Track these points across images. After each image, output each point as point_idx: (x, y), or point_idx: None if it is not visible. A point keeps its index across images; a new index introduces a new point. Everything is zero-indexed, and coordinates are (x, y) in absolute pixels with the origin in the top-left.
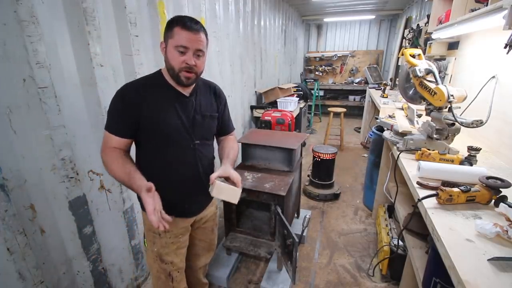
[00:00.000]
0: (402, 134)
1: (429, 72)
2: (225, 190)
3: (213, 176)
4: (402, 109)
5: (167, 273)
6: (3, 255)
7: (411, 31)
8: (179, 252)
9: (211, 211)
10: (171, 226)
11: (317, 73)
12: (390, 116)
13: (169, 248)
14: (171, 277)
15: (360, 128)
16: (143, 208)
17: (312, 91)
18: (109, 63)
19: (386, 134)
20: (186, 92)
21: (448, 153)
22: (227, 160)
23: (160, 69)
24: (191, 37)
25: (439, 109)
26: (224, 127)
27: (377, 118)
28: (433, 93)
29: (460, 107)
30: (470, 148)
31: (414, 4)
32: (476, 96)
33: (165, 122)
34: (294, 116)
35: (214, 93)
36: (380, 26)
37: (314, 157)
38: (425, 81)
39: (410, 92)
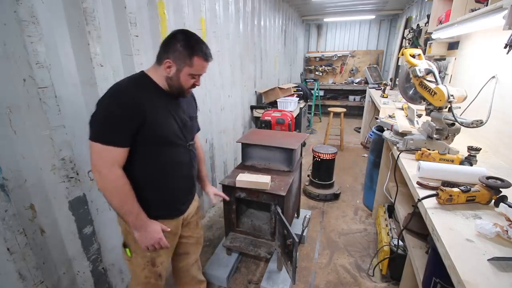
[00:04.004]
0: (402, 134)
1: (429, 72)
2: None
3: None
4: (402, 109)
5: (157, 275)
6: (3, 255)
7: (411, 31)
8: (169, 251)
9: (194, 206)
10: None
11: (317, 73)
12: (390, 116)
13: (162, 250)
14: (161, 277)
15: (360, 128)
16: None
17: (312, 91)
18: (109, 63)
19: (386, 134)
20: (175, 96)
21: (448, 153)
22: (207, 181)
23: (144, 72)
24: (207, 65)
25: (439, 109)
26: (197, 126)
27: (377, 118)
28: (433, 93)
29: (460, 107)
30: (470, 148)
31: (414, 4)
32: (476, 96)
33: (165, 125)
34: (294, 116)
35: (192, 97)
36: (380, 26)
37: (314, 157)
38: (425, 81)
39: (410, 92)
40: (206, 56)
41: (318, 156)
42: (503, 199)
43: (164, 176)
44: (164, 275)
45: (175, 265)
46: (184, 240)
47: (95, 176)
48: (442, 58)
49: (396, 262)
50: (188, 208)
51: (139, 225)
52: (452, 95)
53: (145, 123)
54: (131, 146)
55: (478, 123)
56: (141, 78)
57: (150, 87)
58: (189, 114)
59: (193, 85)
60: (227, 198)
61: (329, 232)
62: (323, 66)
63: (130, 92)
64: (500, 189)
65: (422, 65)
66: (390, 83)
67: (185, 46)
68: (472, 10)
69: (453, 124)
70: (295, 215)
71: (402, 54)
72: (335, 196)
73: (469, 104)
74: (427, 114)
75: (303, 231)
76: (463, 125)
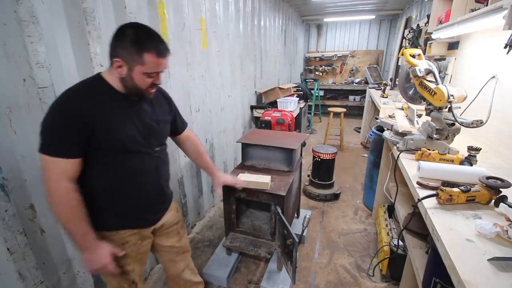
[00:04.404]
0: (402, 134)
1: (429, 72)
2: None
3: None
4: (402, 109)
5: (130, 281)
6: (3, 255)
7: (411, 31)
8: (138, 258)
9: (172, 215)
10: (130, 237)
11: (317, 73)
12: (390, 116)
13: (129, 257)
14: (134, 283)
15: (360, 128)
16: (92, 226)
17: (312, 91)
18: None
19: (386, 134)
20: (135, 98)
21: (448, 153)
22: (215, 170)
23: (100, 74)
24: (163, 62)
25: (439, 109)
26: (181, 124)
27: (377, 118)
28: (433, 93)
29: (460, 107)
30: (470, 148)
31: (414, 4)
32: (476, 96)
33: (122, 133)
34: (294, 116)
35: (164, 96)
36: (380, 26)
37: (314, 157)
38: (425, 81)
39: (410, 92)
40: (159, 51)
41: (318, 156)
42: (503, 199)
43: (125, 186)
44: (140, 281)
45: (166, 272)
46: (165, 249)
47: (45, 188)
48: (442, 58)
49: (396, 262)
50: (160, 218)
51: (85, 246)
52: (452, 95)
53: (96, 131)
54: (86, 156)
55: (478, 123)
56: (95, 82)
57: (103, 90)
58: (157, 117)
59: (153, 85)
60: (240, 186)
61: (329, 232)
62: (323, 66)
63: (76, 100)
64: (500, 189)
65: (422, 65)
66: (390, 83)
67: (133, 42)
68: (472, 10)
69: (453, 124)
70: (295, 215)
71: (402, 54)
72: (335, 196)
73: (469, 104)
74: (427, 114)
75: (303, 231)
76: (463, 125)
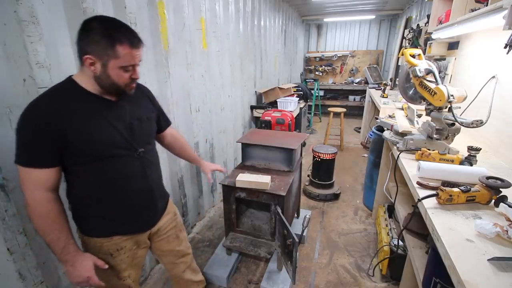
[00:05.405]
0: (402, 134)
1: (429, 72)
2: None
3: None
4: (402, 109)
5: (126, 287)
6: (3, 255)
7: (411, 31)
8: (135, 263)
9: (169, 219)
10: (125, 242)
11: (317, 73)
12: (390, 116)
13: (125, 263)
14: None
15: (360, 128)
16: (84, 232)
17: (312, 91)
18: None
19: (386, 134)
20: (113, 97)
21: (448, 153)
22: (200, 159)
23: (70, 77)
24: (138, 53)
25: (439, 109)
26: (165, 122)
27: (377, 118)
28: (433, 93)
29: (460, 107)
30: (470, 148)
31: (414, 4)
32: (476, 96)
33: (99, 137)
34: (294, 116)
35: (146, 94)
36: (380, 26)
37: (314, 157)
38: (425, 81)
39: (410, 92)
40: (132, 42)
41: (318, 156)
42: (503, 199)
43: (111, 192)
44: (135, 286)
45: (168, 272)
46: (165, 254)
47: (26, 204)
48: (442, 58)
49: (396, 262)
50: (156, 222)
51: (66, 259)
52: (452, 95)
53: (69, 138)
54: (67, 164)
55: (478, 123)
56: (64, 86)
57: (74, 95)
58: (138, 115)
59: (131, 79)
60: (223, 170)
61: (329, 232)
62: (323, 66)
63: (41, 110)
64: (500, 189)
65: (422, 65)
66: (390, 83)
67: (103, 35)
68: (472, 10)
69: (453, 124)
70: (295, 215)
71: (402, 54)
72: (335, 196)
73: (469, 104)
74: (427, 114)
75: (303, 231)
76: (463, 125)
